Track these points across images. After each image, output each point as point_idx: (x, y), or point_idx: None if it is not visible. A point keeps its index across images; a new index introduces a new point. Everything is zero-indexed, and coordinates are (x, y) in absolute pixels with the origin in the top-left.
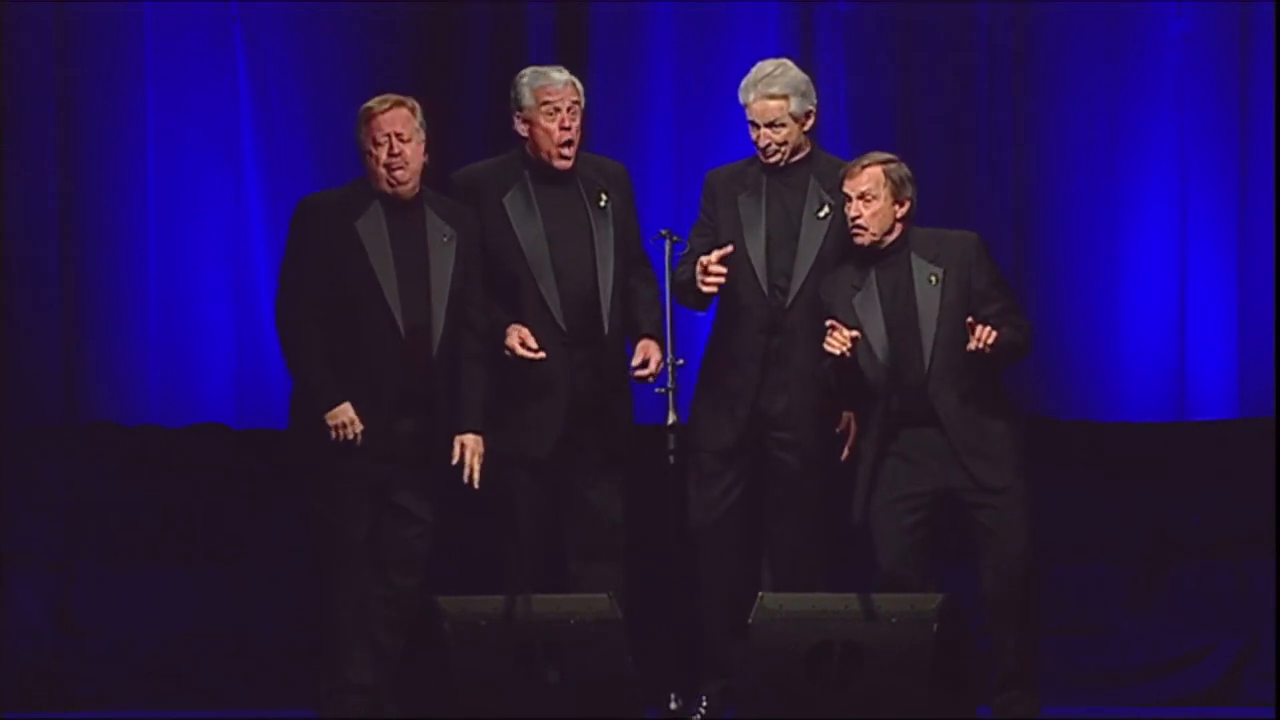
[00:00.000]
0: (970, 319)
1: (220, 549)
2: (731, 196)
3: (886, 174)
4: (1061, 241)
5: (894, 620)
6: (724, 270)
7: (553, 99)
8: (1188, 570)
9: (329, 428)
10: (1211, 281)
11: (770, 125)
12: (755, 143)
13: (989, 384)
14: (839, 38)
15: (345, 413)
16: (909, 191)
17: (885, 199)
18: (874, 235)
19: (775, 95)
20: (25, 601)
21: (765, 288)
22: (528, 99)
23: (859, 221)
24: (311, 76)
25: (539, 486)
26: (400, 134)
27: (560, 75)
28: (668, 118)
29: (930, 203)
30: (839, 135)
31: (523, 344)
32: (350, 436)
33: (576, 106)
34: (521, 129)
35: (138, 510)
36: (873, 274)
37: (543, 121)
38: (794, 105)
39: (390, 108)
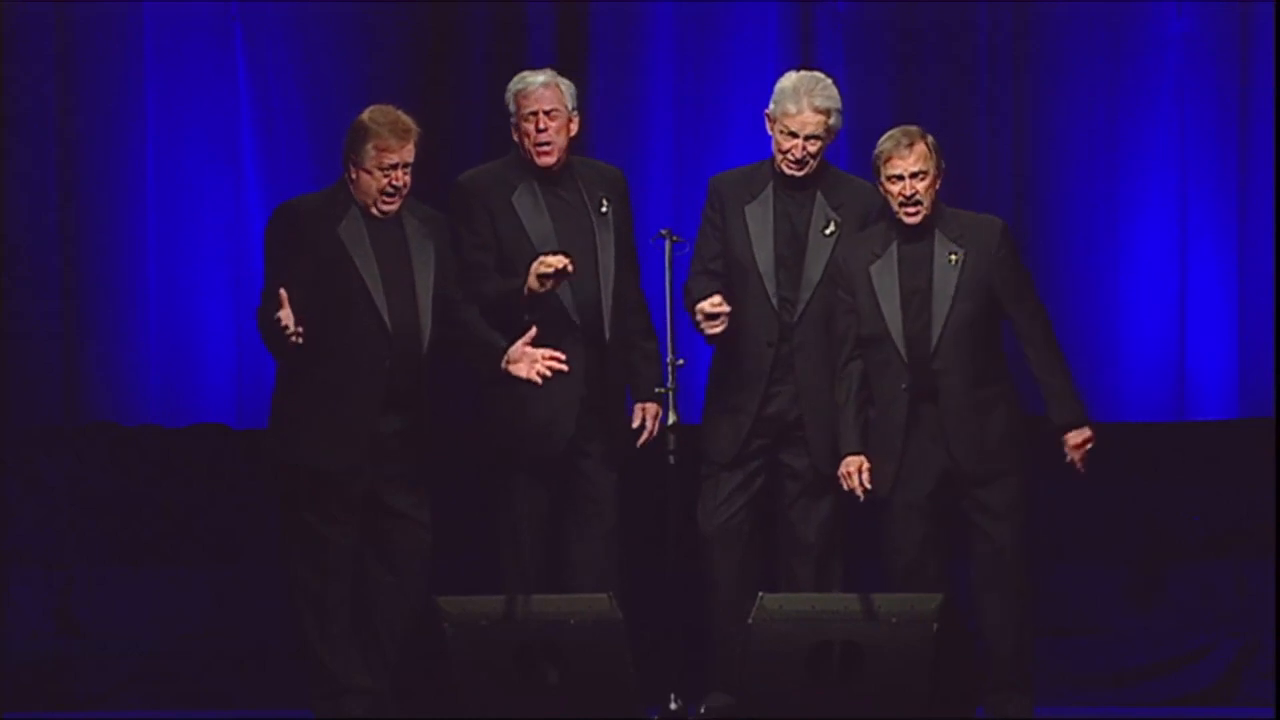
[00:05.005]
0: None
1: (220, 549)
2: (739, 204)
3: (931, 148)
4: (1061, 241)
5: (894, 620)
6: (725, 311)
7: (528, 103)
8: (1187, 570)
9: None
10: (1211, 281)
11: (809, 138)
12: (786, 153)
13: (997, 371)
14: (839, 38)
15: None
16: (942, 163)
17: (934, 173)
18: (926, 211)
19: (820, 109)
20: (25, 601)
21: (774, 300)
22: (511, 104)
23: (916, 198)
24: (311, 76)
25: (543, 489)
26: (407, 164)
27: (538, 78)
28: (667, 118)
29: None
30: (838, 135)
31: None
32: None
33: (557, 109)
34: (514, 134)
35: (138, 510)
36: (894, 245)
37: (522, 124)
38: (833, 120)
39: (409, 141)
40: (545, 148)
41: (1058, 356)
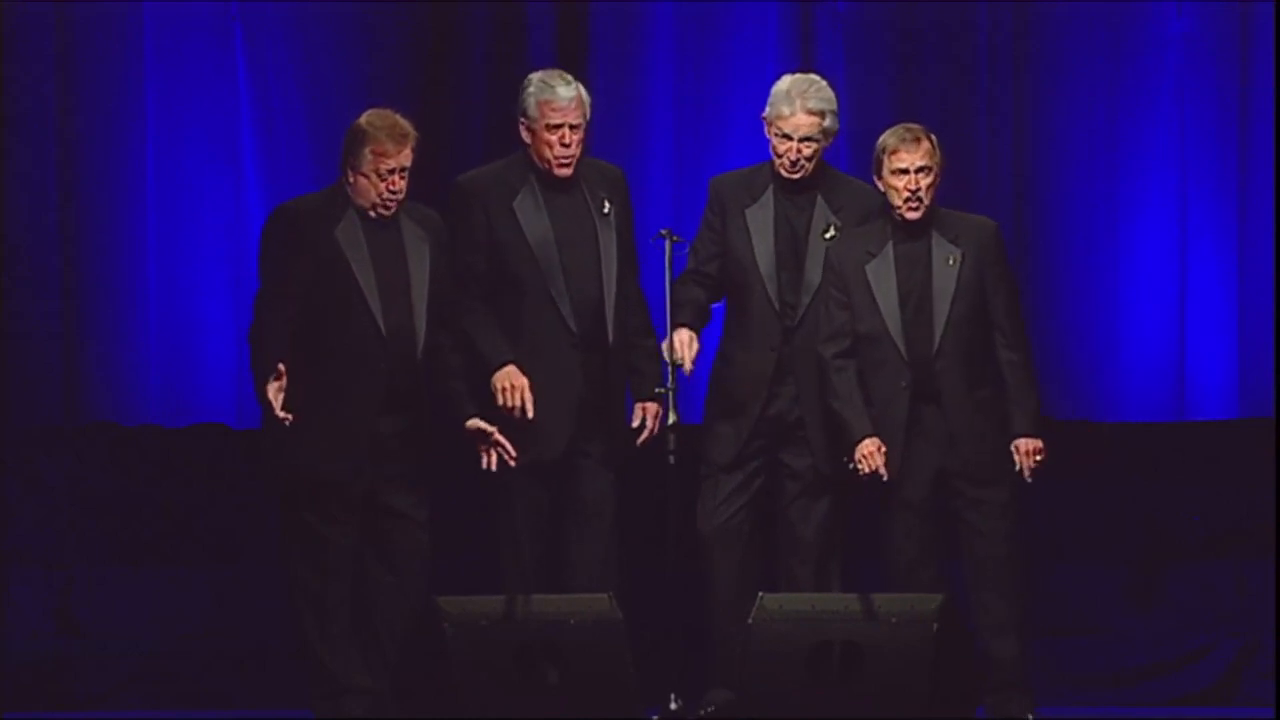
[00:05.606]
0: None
1: (220, 549)
2: (739, 206)
3: (936, 146)
4: (1061, 241)
5: (894, 620)
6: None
7: (556, 115)
8: (1187, 570)
9: None
10: (1211, 281)
11: (804, 140)
12: (782, 155)
13: (992, 373)
14: (839, 38)
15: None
16: (943, 162)
17: (936, 170)
18: (926, 208)
19: (814, 111)
20: (25, 601)
21: (776, 304)
22: (533, 110)
23: (919, 194)
24: (311, 76)
25: (542, 490)
26: (405, 168)
27: (567, 90)
28: (667, 119)
29: None
30: (839, 135)
31: (514, 395)
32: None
33: (581, 123)
34: (525, 135)
35: (138, 510)
36: (890, 244)
37: (545, 134)
38: (828, 122)
39: (407, 145)
40: (566, 161)
41: (1032, 366)
